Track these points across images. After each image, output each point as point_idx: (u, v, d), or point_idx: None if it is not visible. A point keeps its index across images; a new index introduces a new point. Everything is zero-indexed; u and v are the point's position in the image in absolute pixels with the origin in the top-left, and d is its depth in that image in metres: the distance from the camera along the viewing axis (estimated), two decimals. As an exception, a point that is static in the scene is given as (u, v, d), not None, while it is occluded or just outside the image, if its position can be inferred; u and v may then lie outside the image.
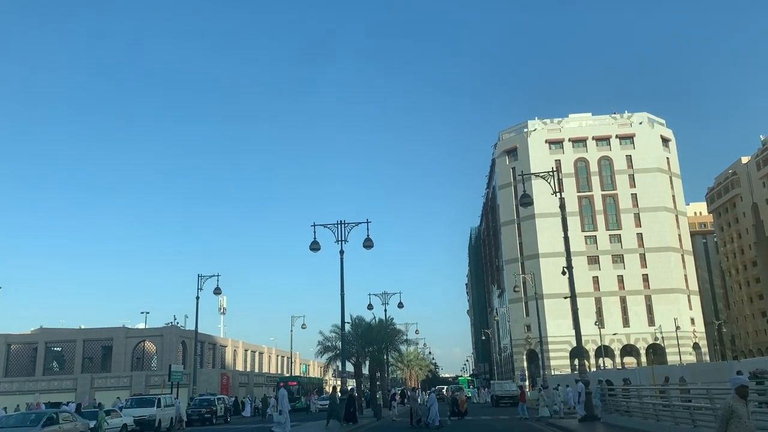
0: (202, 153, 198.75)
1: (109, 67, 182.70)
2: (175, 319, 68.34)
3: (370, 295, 57.88)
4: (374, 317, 53.63)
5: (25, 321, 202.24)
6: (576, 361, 76.93)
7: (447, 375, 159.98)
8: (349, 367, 51.48)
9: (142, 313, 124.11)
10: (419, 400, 33.77)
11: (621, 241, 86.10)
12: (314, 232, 36.42)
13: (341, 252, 36.66)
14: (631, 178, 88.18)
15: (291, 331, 76.93)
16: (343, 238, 36.06)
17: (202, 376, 58.84)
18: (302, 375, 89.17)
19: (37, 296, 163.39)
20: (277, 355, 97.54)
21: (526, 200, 25.82)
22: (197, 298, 50.19)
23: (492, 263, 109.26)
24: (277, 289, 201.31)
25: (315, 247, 36.25)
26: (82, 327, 72.14)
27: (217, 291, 49.97)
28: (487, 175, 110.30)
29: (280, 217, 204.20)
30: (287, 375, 79.45)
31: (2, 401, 57.52)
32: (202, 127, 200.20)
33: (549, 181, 26.35)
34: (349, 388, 50.24)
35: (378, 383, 54.10)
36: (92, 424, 24.11)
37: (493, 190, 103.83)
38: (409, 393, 41.70)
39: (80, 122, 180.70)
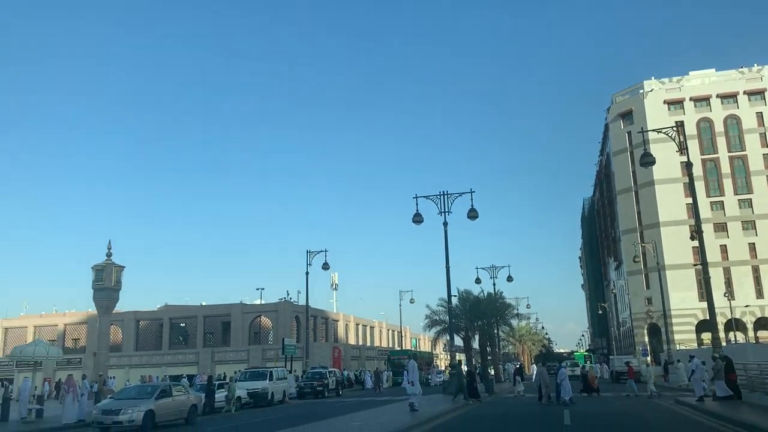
0: (305, 129, 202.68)
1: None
2: (288, 294, 70.26)
3: (477, 268, 56.63)
4: (482, 291, 52.46)
5: (151, 299, 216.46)
6: (703, 336, 71.91)
7: (561, 350, 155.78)
8: (458, 341, 50.68)
9: (257, 289, 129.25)
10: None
11: (752, 206, 79.05)
12: (416, 204, 35.56)
13: (444, 224, 35.57)
14: (763, 137, 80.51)
15: (400, 305, 77.49)
16: (446, 210, 35.02)
17: (314, 349, 60.08)
18: (413, 349, 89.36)
19: (161, 275, 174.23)
20: (388, 330, 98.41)
21: (647, 159, 23.48)
22: (306, 273, 51.08)
23: (607, 234, 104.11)
24: (385, 264, 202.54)
25: (417, 219, 35.44)
26: (203, 304, 75.81)
27: (326, 266, 50.48)
28: (599, 141, 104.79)
29: (386, 190, 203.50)
30: (398, 349, 79.85)
31: (135, 372, 61.63)
32: (306, 101, 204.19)
33: (672, 136, 23.82)
34: (460, 362, 49.26)
35: (489, 358, 52.93)
36: (201, 396, 24.70)
37: (606, 157, 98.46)
38: (535, 368, 40.45)
39: (183, 101, 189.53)
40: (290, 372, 47.62)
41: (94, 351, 54.54)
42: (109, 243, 50.06)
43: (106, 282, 48.82)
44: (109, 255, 49.59)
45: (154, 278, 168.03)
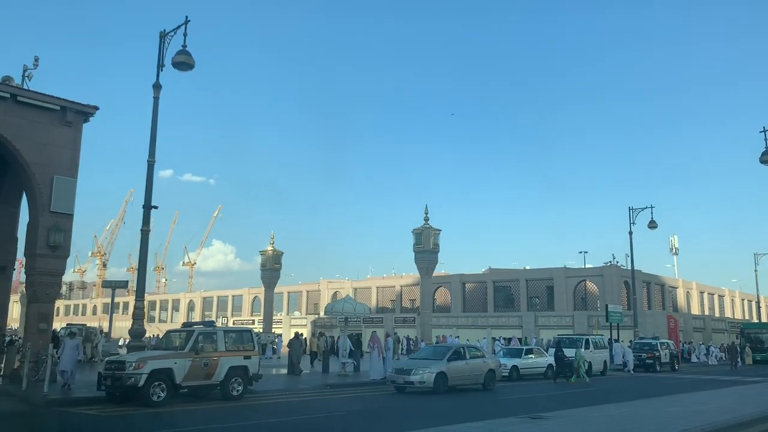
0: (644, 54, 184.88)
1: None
2: (613, 258, 64.94)
3: None
4: None
5: (478, 262, 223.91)
6: None
7: None
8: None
9: (580, 252, 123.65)
10: None
11: None
12: (765, 139, 28.48)
13: (809, 161, 27.77)
14: None
15: (755, 270, 65.96)
16: (809, 143, 27.17)
17: (646, 318, 54.27)
18: (777, 322, 75.52)
19: (487, 239, 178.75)
20: (742, 299, 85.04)
21: None
22: (630, 233, 46.20)
23: None
24: (734, 221, 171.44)
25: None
26: (527, 267, 74.68)
27: (652, 225, 44.88)
28: None
29: (720, 125, 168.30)
30: (755, 321, 68.17)
31: (463, 333, 63.38)
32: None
33: None
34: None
35: None
36: (499, 360, 22.90)
37: None
38: None
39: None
40: (616, 341, 43.41)
41: (428, 310, 57.52)
42: (426, 208, 51.57)
43: (425, 245, 50.61)
44: (426, 219, 51.38)
45: (480, 242, 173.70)
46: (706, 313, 74.69)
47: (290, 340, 28.53)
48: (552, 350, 31.57)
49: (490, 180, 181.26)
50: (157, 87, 20.51)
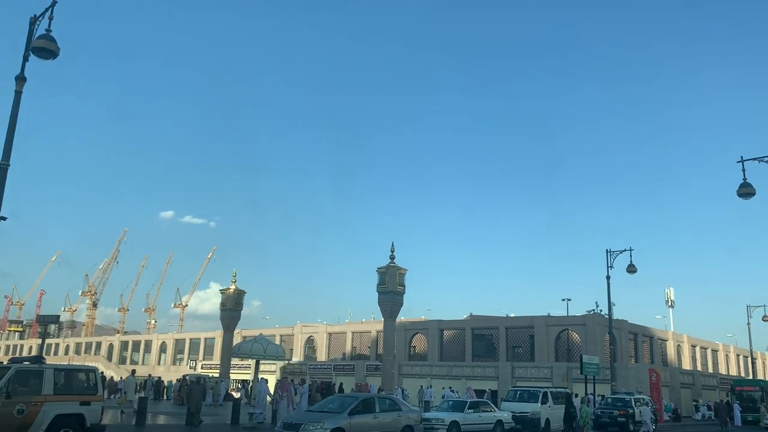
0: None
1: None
2: (597, 305, 61.10)
3: None
4: None
5: (464, 309, 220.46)
6: None
7: None
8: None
9: (563, 300, 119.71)
10: None
11: None
12: (743, 169, 25.40)
13: (789, 193, 24.71)
14: None
15: (748, 324, 62.29)
16: (788, 171, 24.13)
17: (629, 371, 50.31)
18: (770, 379, 71.25)
19: (469, 285, 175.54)
20: (737, 354, 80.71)
21: None
22: (607, 277, 42.99)
23: None
24: (728, 268, 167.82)
25: (746, 191, 25.25)
26: (510, 315, 70.91)
27: (631, 269, 41.53)
28: None
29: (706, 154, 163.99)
30: (748, 378, 63.97)
31: (436, 383, 59.19)
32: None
33: None
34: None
35: None
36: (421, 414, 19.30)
37: None
38: None
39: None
40: (591, 395, 39.58)
41: (391, 357, 53.43)
42: (392, 246, 48.51)
43: (389, 285, 47.14)
44: (392, 257, 47.96)
45: (466, 289, 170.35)
46: (699, 368, 70.45)
47: (190, 384, 24.99)
48: (505, 404, 27.99)
49: (480, 226, 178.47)
50: (20, 79, 17.58)
